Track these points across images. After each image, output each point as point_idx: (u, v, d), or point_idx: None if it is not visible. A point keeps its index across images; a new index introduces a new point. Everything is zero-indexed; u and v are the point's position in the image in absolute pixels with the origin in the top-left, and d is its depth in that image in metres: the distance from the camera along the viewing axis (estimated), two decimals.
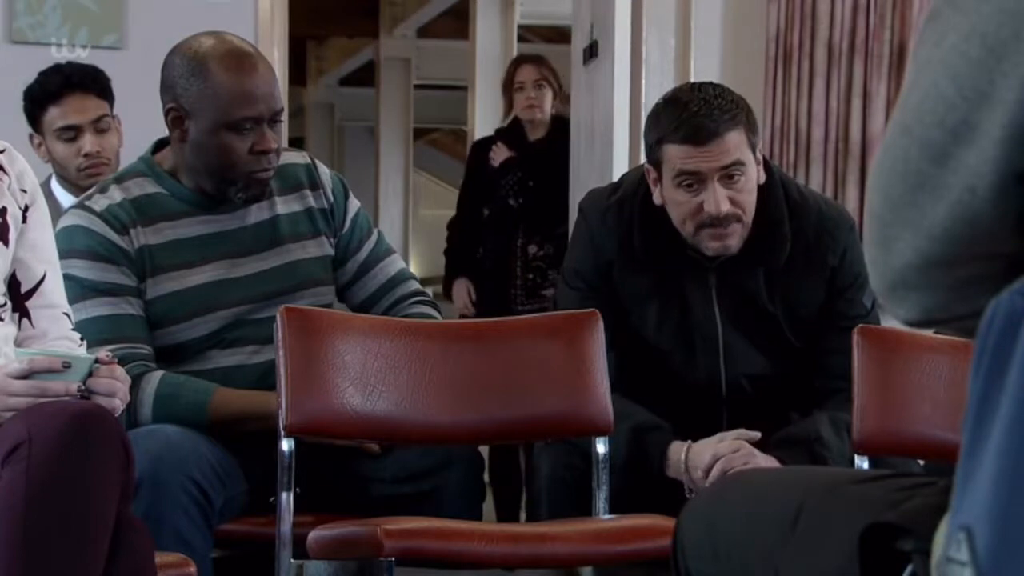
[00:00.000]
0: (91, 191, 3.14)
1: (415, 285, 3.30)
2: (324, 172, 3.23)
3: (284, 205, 3.14)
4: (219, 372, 3.03)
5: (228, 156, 3.00)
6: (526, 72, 5.95)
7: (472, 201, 6.02)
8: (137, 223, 3.03)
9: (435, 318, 3.21)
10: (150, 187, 3.07)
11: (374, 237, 3.27)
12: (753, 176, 3.04)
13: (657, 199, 3.09)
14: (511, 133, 6.01)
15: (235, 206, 3.08)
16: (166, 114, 3.04)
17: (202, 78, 2.98)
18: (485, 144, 6.13)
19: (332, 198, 3.20)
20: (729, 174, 2.99)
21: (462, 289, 5.94)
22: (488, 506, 3.50)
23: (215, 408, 2.95)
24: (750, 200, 3.04)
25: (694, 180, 2.99)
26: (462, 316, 5.74)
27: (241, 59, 3.01)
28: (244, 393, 3.00)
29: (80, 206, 3.07)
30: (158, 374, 2.96)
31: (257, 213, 3.12)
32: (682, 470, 2.99)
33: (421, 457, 3.08)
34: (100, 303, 2.98)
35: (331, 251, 3.19)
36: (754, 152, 3.04)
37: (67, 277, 2.93)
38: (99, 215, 3.03)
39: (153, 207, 3.05)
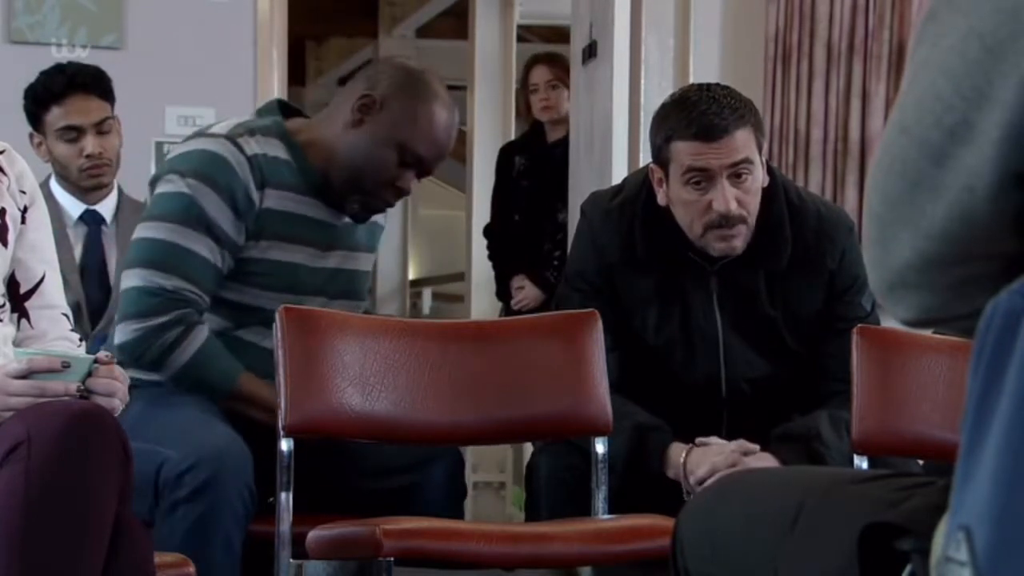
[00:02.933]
0: (237, 128, 3.07)
1: None
2: None
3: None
4: (259, 350, 3.04)
5: (375, 168, 3.03)
6: (539, 73, 5.96)
7: (503, 207, 6.04)
8: (270, 183, 3.03)
9: None
10: (280, 152, 3.07)
11: None
12: (759, 177, 3.05)
13: (662, 200, 3.09)
14: (531, 137, 6.04)
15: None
16: (358, 99, 3.04)
17: (415, 96, 3.04)
18: (510, 149, 6.16)
19: (384, 222, 3.29)
20: (737, 172, 3.00)
21: (520, 283, 5.89)
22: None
23: (244, 381, 2.99)
24: (755, 202, 3.05)
25: (703, 177, 3.00)
26: (521, 311, 5.71)
27: (450, 118, 3.07)
28: (268, 383, 2.99)
29: (231, 139, 3.03)
30: (207, 330, 2.98)
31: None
32: (681, 473, 2.99)
33: (400, 454, 3.08)
34: (201, 240, 2.99)
35: (370, 268, 3.27)
36: (760, 153, 3.05)
37: (187, 197, 2.96)
38: (249, 160, 3.02)
39: (279, 173, 3.05)
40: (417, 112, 3.03)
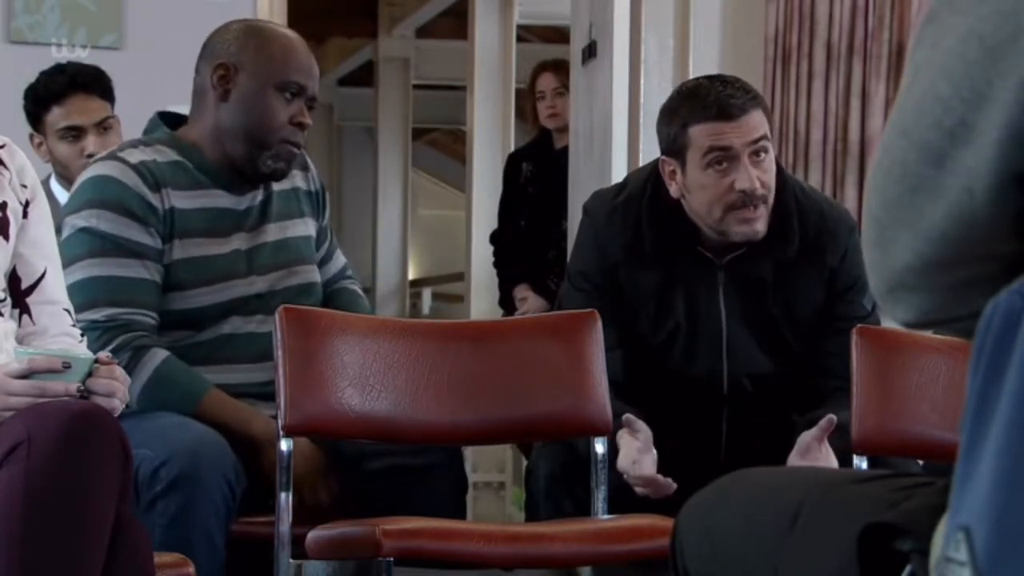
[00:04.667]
0: (120, 146, 3.14)
1: (351, 274, 3.43)
2: (308, 159, 3.31)
3: (277, 184, 3.19)
4: (236, 338, 3.04)
5: (269, 117, 3.06)
6: (545, 81, 5.97)
7: (509, 213, 6.05)
8: (168, 184, 3.04)
9: (361, 296, 3.35)
10: (175, 156, 3.09)
11: (331, 231, 3.39)
12: (773, 160, 3.08)
13: (675, 192, 3.09)
14: (538, 144, 6.04)
15: (248, 184, 3.11)
16: (212, 73, 3.08)
17: (260, 40, 3.10)
18: (518, 156, 6.17)
19: (318, 184, 3.30)
20: (757, 151, 3.03)
21: (524, 293, 5.89)
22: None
23: (205, 405, 2.95)
24: (773, 185, 3.07)
25: (725, 157, 3.01)
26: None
27: (298, 40, 3.15)
28: (234, 404, 2.98)
29: (112, 157, 3.06)
30: (162, 352, 2.96)
31: (260, 191, 3.15)
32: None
33: (400, 454, 3.07)
34: (119, 262, 2.98)
35: (314, 232, 3.25)
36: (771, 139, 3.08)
37: (88, 230, 2.96)
38: (134, 168, 3.02)
39: (181, 174, 3.07)
40: (272, 50, 3.09)
